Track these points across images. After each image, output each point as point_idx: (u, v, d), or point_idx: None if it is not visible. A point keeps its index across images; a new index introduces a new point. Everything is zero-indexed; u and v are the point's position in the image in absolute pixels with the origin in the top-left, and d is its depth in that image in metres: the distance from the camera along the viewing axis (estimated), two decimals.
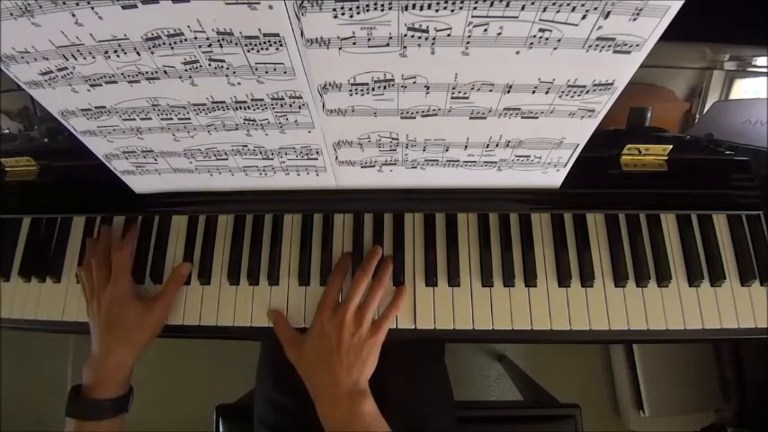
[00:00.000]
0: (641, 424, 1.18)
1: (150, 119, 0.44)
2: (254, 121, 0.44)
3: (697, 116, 0.51)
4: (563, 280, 0.54)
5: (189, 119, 0.44)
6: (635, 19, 0.32)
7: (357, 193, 0.56)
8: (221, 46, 0.35)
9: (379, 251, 0.55)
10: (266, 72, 0.38)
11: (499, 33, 0.33)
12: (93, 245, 0.59)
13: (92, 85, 0.40)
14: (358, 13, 0.32)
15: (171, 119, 0.44)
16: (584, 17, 0.32)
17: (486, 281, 0.54)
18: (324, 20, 0.33)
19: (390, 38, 0.34)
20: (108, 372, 0.51)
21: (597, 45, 0.34)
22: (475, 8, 0.31)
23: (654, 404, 1.15)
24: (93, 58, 0.37)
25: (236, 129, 0.45)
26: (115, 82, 0.40)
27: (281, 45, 0.35)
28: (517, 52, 0.35)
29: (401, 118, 0.43)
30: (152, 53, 0.36)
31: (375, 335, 0.50)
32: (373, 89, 0.40)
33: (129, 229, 0.60)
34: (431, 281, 0.55)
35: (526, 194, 0.56)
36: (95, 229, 0.62)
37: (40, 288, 0.60)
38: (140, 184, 0.56)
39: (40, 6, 0.33)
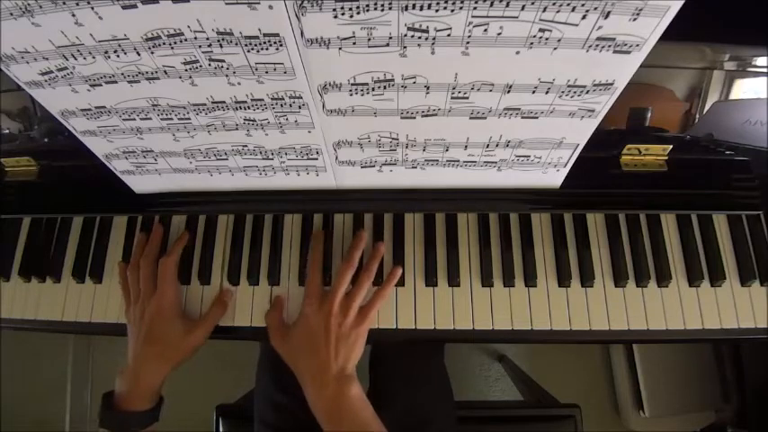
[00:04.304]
0: (641, 424, 1.18)
1: (150, 119, 0.44)
2: (254, 121, 0.44)
3: (697, 116, 0.51)
4: (563, 280, 0.54)
5: (189, 119, 0.44)
6: (635, 19, 0.32)
7: (357, 193, 0.56)
8: (221, 46, 0.35)
9: (363, 241, 0.55)
10: (266, 72, 0.38)
11: (499, 33, 0.33)
12: (142, 245, 0.57)
13: (92, 85, 0.40)
14: (358, 13, 0.32)
15: (171, 119, 0.44)
16: (584, 17, 0.32)
17: (486, 281, 0.54)
18: (324, 20, 0.33)
19: (390, 38, 0.34)
20: (142, 384, 0.51)
21: (597, 45, 0.34)
22: (475, 8, 0.31)
23: (654, 404, 1.15)
24: (93, 58, 0.37)
25: (236, 129, 0.45)
26: (115, 82, 0.40)
27: (281, 45, 0.35)
28: (517, 52, 0.35)
29: (401, 118, 0.43)
30: (152, 53, 0.36)
31: (361, 324, 0.50)
32: (373, 89, 0.40)
33: (181, 235, 0.58)
34: (431, 281, 0.55)
35: (526, 194, 0.56)
36: (137, 226, 0.60)
37: (40, 288, 0.60)
38: (140, 184, 0.56)
39: (40, 6, 0.33)
